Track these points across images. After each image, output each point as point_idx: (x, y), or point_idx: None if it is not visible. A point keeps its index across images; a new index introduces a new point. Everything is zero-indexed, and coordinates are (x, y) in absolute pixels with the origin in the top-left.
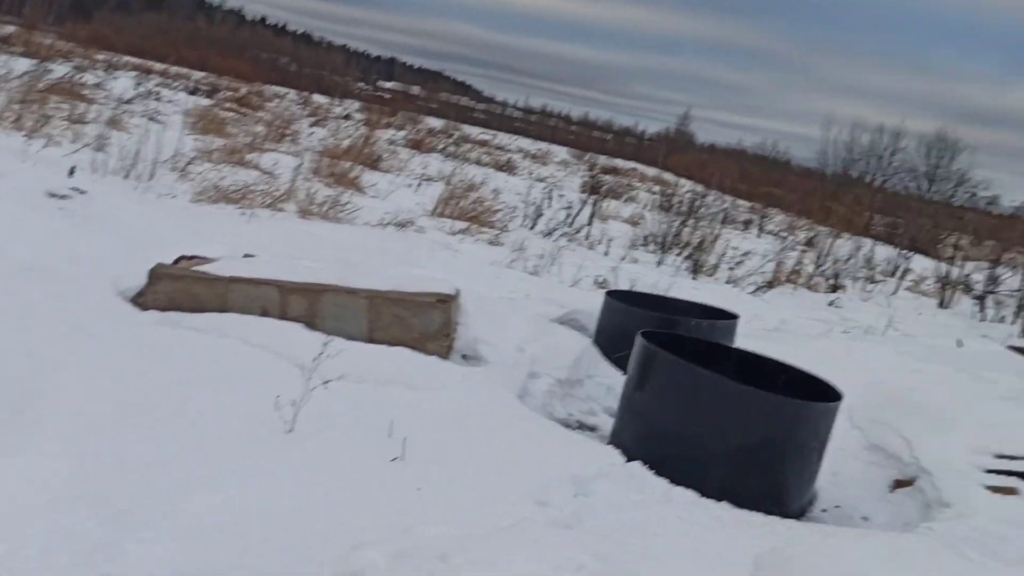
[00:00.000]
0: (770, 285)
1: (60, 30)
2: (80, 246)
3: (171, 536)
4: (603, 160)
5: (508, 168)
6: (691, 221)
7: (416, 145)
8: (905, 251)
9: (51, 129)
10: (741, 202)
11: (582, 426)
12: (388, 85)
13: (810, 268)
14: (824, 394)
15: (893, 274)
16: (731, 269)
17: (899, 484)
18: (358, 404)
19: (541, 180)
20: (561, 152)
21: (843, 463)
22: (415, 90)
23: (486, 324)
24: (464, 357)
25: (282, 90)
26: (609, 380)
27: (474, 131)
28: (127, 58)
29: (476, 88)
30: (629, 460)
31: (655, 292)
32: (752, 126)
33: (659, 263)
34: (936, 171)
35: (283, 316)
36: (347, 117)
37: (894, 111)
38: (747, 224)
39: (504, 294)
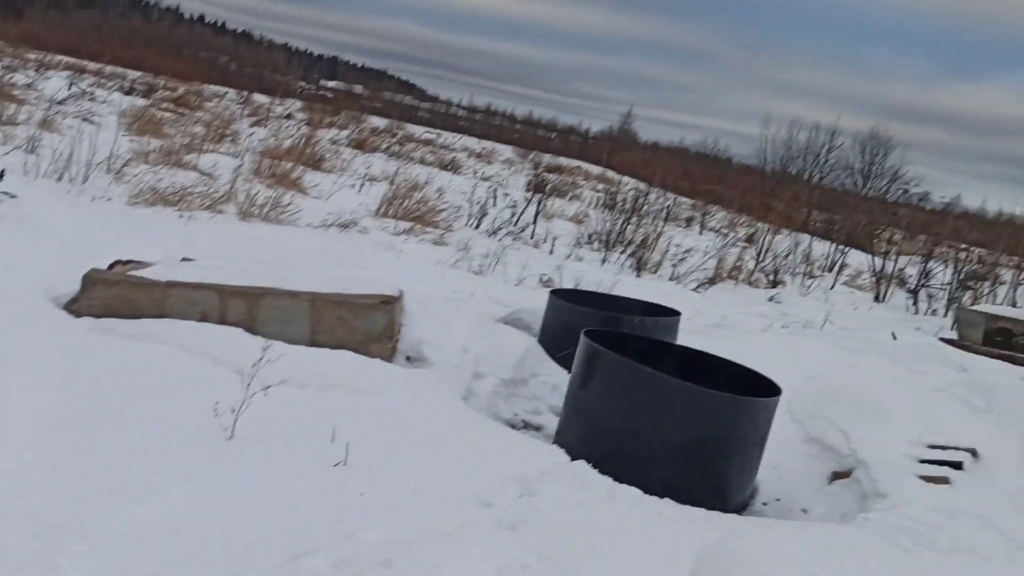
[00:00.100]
0: (712, 281)
1: None
2: (10, 252)
3: (106, 548)
4: (548, 158)
5: (453, 167)
6: (634, 219)
7: (359, 145)
8: (842, 246)
9: None
10: (683, 199)
11: (527, 425)
12: (331, 84)
13: (751, 264)
14: (764, 389)
15: (831, 269)
16: (674, 266)
17: (837, 476)
18: (300, 409)
19: (486, 179)
20: (506, 151)
21: (783, 456)
22: (358, 89)
23: (430, 325)
24: (408, 359)
25: (221, 89)
26: (554, 379)
27: (418, 130)
28: (60, 57)
29: (420, 87)
30: (574, 459)
31: (599, 290)
32: (693, 124)
33: (603, 261)
34: (870, 168)
35: (223, 321)
36: (289, 117)
37: (830, 109)
38: (689, 221)
39: (449, 294)
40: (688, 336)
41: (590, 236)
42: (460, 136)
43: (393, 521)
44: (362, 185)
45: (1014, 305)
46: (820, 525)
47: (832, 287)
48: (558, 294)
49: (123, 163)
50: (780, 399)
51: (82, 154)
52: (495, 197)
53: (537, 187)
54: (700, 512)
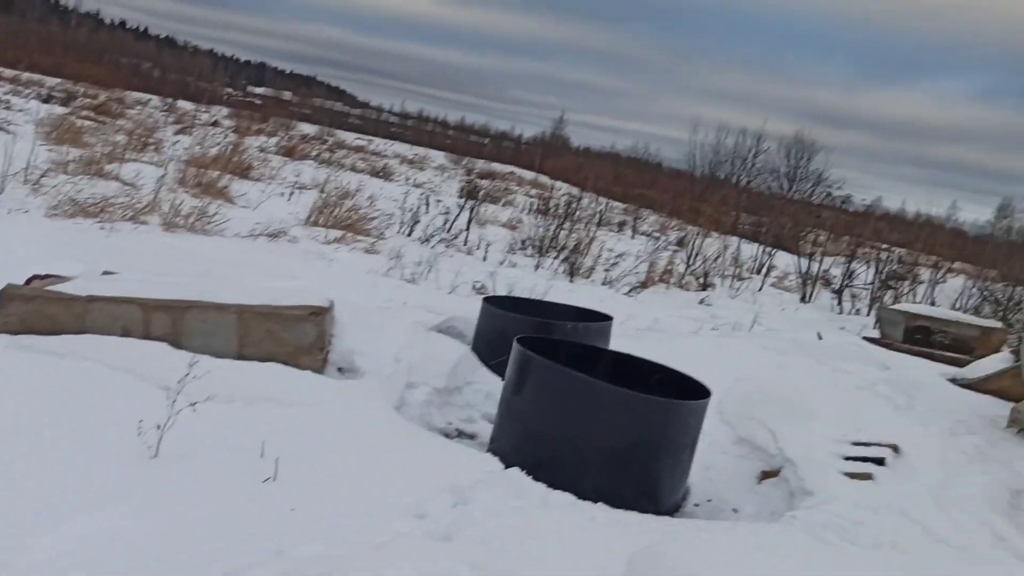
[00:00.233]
0: (644, 285)
1: None
2: None
3: (25, 574)
4: (481, 164)
5: (384, 174)
6: (567, 224)
7: (288, 152)
8: (769, 248)
9: None
10: (615, 204)
11: (461, 434)
12: (259, 91)
13: (681, 268)
14: (694, 392)
15: (759, 271)
16: (606, 271)
17: (766, 475)
18: (228, 424)
19: (418, 186)
20: (439, 157)
21: (714, 457)
22: (287, 95)
23: (362, 335)
24: (340, 370)
25: (144, 96)
26: (488, 386)
27: (349, 136)
28: None
29: (351, 93)
30: (508, 466)
31: (532, 296)
32: (624, 129)
33: (537, 267)
34: (796, 171)
35: (146, 336)
36: (215, 124)
37: (756, 114)
38: (621, 226)
39: (381, 303)
40: (620, 340)
41: (523, 242)
42: (392, 142)
43: (325, 536)
44: (292, 193)
45: (933, 304)
46: (749, 525)
47: (760, 289)
48: (491, 301)
49: (41, 174)
50: (710, 401)
51: None
52: (428, 204)
53: (470, 193)
54: (633, 516)
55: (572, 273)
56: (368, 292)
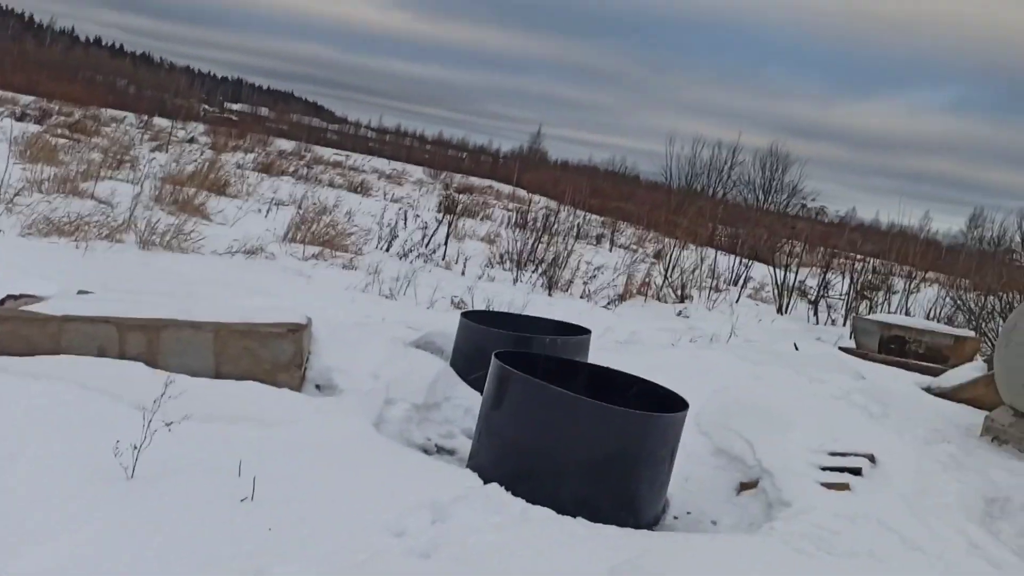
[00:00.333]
0: (622, 298)
1: None
2: None
3: None
4: (459, 179)
5: (362, 189)
6: (545, 237)
7: (266, 168)
8: (746, 260)
9: None
10: (593, 217)
11: (441, 450)
12: (235, 107)
13: (659, 280)
14: (672, 404)
15: (736, 283)
16: (585, 284)
17: (744, 486)
18: (204, 444)
19: (396, 201)
20: (417, 171)
21: (693, 469)
22: (264, 111)
23: (340, 352)
24: (318, 387)
25: (120, 114)
26: (467, 402)
27: (327, 152)
28: None
29: (328, 108)
30: (487, 481)
31: (511, 310)
32: (601, 143)
33: (515, 280)
34: (771, 183)
35: (122, 355)
36: (192, 141)
37: (731, 127)
38: (599, 239)
39: (359, 319)
40: (599, 353)
41: (502, 256)
42: (370, 158)
43: (303, 555)
44: (269, 210)
45: (907, 313)
46: (728, 536)
47: (737, 300)
48: (469, 316)
49: (15, 192)
50: (688, 413)
51: None
52: (406, 219)
53: (448, 208)
54: (612, 530)
55: (551, 287)
56: (346, 308)
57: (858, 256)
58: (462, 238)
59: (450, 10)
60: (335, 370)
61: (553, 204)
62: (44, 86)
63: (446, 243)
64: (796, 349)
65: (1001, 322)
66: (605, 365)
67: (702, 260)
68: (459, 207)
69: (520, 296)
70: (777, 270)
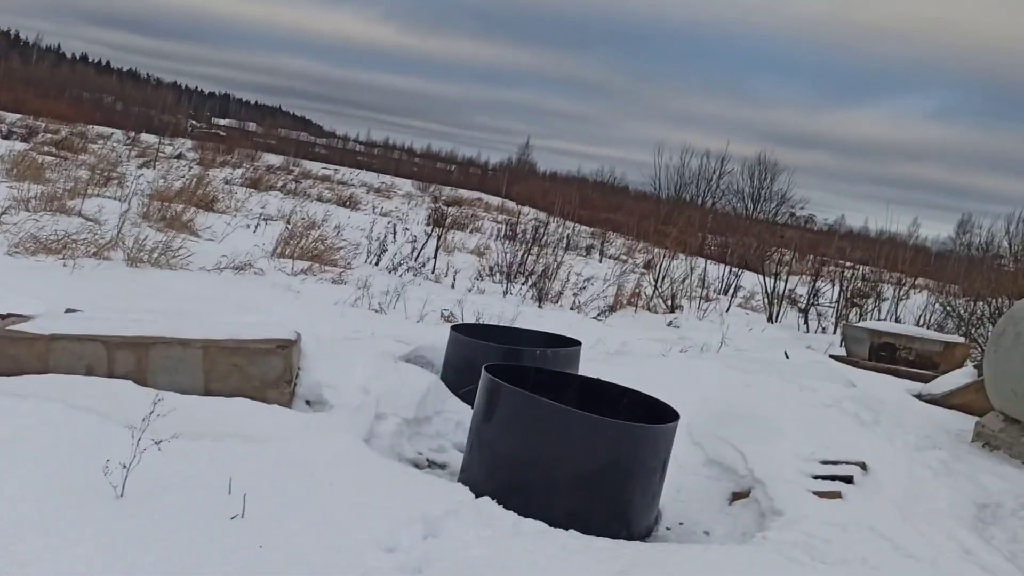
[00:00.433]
0: (612, 309)
1: None
2: None
3: None
4: (448, 191)
5: (351, 203)
6: (535, 249)
7: (254, 183)
8: (736, 269)
9: None
10: (583, 228)
11: (432, 464)
12: (223, 122)
13: (649, 290)
14: (663, 415)
15: (726, 292)
16: (575, 295)
17: (736, 496)
18: (194, 462)
19: (385, 214)
20: (406, 185)
21: (685, 479)
22: (252, 126)
23: (330, 367)
24: (308, 403)
25: (107, 130)
26: (457, 415)
27: (315, 166)
28: None
29: (316, 123)
30: (478, 495)
31: (501, 323)
32: (590, 154)
33: (505, 293)
34: (759, 192)
35: (111, 374)
36: (179, 157)
37: (719, 136)
38: (589, 250)
39: (349, 334)
40: (590, 364)
41: (491, 268)
42: (358, 171)
43: (294, 572)
44: (257, 225)
45: (897, 320)
46: (721, 547)
47: (727, 309)
48: (459, 329)
49: (2, 211)
50: (679, 423)
51: None
52: (395, 232)
53: (437, 221)
54: (604, 542)
55: (540, 298)
56: (336, 323)
57: (847, 264)
58: (451, 251)
59: (436, 23)
60: (325, 385)
61: (542, 215)
62: (30, 104)
63: (435, 256)
64: (787, 357)
65: (990, 327)
66: (596, 376)
67: (692, 270)
68: (448, 220)
69: (510, 308)
70: (767, 279)
